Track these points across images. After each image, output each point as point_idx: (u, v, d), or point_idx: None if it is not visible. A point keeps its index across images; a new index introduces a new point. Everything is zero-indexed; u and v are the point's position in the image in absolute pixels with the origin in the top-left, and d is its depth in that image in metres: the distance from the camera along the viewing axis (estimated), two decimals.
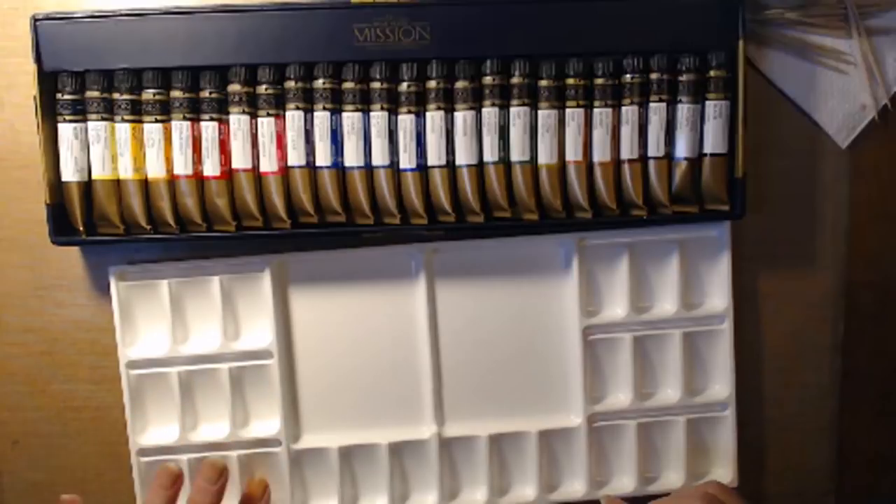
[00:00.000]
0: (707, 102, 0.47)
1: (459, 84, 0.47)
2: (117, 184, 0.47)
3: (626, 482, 0.52)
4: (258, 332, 0.50)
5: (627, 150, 0.48)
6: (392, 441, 0.51)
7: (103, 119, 0.46)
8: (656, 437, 0.52)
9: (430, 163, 0.47)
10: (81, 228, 0.47)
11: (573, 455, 0.52)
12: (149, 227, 0.47)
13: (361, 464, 0.51)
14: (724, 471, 0.51)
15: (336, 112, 0.47)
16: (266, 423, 0.51)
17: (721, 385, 0.51)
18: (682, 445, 0.51)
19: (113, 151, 0.47)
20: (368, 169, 0.47)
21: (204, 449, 0.50)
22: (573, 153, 0.48)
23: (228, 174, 0.47)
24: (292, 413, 0.51)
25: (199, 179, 0.47)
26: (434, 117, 0.47)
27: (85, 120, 0.46)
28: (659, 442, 0.52)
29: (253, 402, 0.51)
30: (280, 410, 0.50)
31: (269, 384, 0.50)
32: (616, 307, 0.51)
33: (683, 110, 0.47)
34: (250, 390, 0.51)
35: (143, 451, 0.50)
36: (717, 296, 0.51)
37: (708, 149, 0.48)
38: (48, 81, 0.46)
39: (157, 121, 0.46)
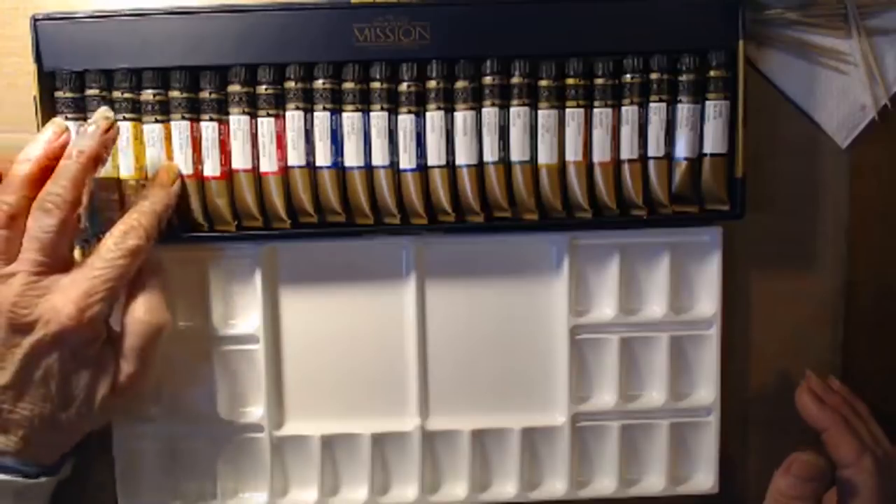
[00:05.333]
0: (707, 102, 0.47)
1: (459, 84, 0.47)
2: (118, 183, 0.47)
3: (607, 484, 0.52)
4: (246, 317, 0.50)
5: (627, 150, 0.48)
6: (375, 432, 0.51)
7: None
8: (639, 440, 0.52)
9: (430, 163, 0.47)
10: (82, 227, 0.47)
11: (555, 454, 0.52)
12: None
13: (343, 453, 0.51)
14: (705, 476, 0.51)
15: (336, 112, 0.47)
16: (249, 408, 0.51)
17: (706, 390, 0.51)
18: (665, 449, 0.51)
19: (113, 150, 0.47)
20: (368, 169, 0.47)
21: (185, 427, 0.50)
22: (573, 153, 0.48)
23: (228, 174, 0.47)
24: (276, 399, 0.51)
25: (199, 179, 0.47)
26: (434, 117, 0.47)
27: (85, 119, 0.46)
28: (641, 445, 0.52)
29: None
30: (264, 396, 0.50)
31: (255, 370, 0.50)
32: (605, 308, 0.51)
33: (683, 110, 0.47)
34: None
35: (123, 427, 0.50)
36: (707, 301, 0.51)
37: (708, 149, 0.48)
38: (48, 81, 0.46)
39: (157, 121, 0.46)
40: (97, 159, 0.43)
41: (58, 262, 0.42)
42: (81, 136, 0.43)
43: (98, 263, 0.42)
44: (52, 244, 0.42)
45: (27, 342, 0.41)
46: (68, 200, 0.42)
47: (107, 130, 0.44)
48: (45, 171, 0.43)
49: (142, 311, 0.44)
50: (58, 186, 0.42)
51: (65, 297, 0.41)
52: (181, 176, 0.47)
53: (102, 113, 0.44)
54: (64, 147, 0.44)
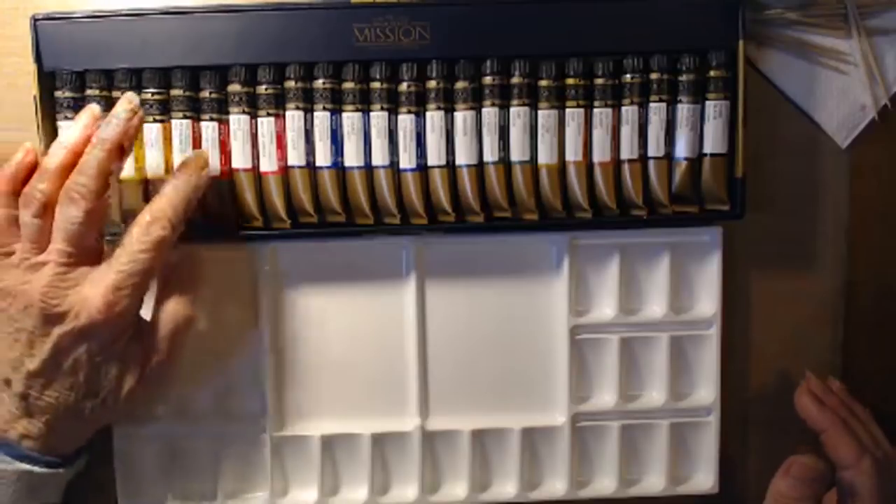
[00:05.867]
0: (707, 102, 0.47)
1: (459, 84, 0.47)
2: (118, 183, 0.47)
3: (607, 483, 0.52)
4: (245, 317, 0.50)
5: (627, 150, 0.48)
6: (375, 432, 0.51)
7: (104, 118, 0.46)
8: (639, 440, 0.52)
9: (430, 163, 0.47)
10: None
11: (555, 454, 0.52)
12: None
13: (343, 453, 0.51)
14: (705, 476, 0.51)
15: (336, 112, 0.47)
16: None
17: (706, 390, 0.51)
18: (665, 449, 0.51)
19: None
20: (368, 169, 0.47)
21: (185, 427, 0.50)
22: (573, 153, 0.48)
23: (228, 174, 0.47)
24: (276, 399, 0.50)
25: None
26: (434, 117, 0.47)
27: None
28: (641, 445, 0.52)
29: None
30: (264, 396, 0.50)
31: (254, 370, 0.50)
32: (605, 308, 0.51)
33: (683, 110, 0.47)
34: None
35: (123, 427, 0.50)
36: (707, 301, 0.51)
37: (708, 149, 0.48)
38: (48, 81, 0.46)
39: (156, 120, 0.46)
40: (121, 148, 0.43)
41: (85, 252, 0.42)
42: (106, 124, 0.43)
43: (123, 257, 0.42)
44: (79, 234, 0.42)
45: (56, 332, 0.41)
46: (93, 190, 0.42)
47: (131, 118, 0.43)
48: (80, 158, 0.43)
49: (173, 301, 0.44)
50: (83, 176, 0.42)
51: (94, 291, 0.41)
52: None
53: (127, 99, 0.44)
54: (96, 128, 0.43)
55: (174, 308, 0.45)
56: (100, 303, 0.41)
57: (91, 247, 0.43)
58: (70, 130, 0.43)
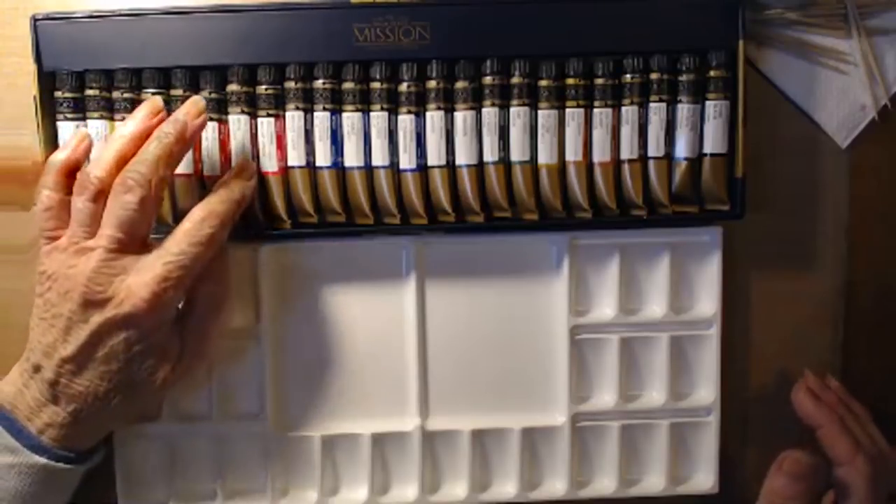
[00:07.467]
0: (707, 102, 0.47)
1: (459, 84, 0.47)
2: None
3: (607, 483, 0.52)
4: (246, 316, 0.50)
5: (627, 150, 0.48)
6: (375, 432, 0.51)
7: (103, 118, 0.46)
8: (639, 440, 0.52)
9: (430, 163, 0.47)
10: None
11: (555, 454, 0.52)
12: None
13: (343, 453, 0.51)
14: (705, 476, 0.52)
15: (336, 112, 0.47)
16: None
17: (706, 390, 0.51)
18: (665, 449, 0.51)
19: None
20: (368, 169, 0.47)
21: (185, 427, 0.50)
22: (573, 153, 0.48)
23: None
24: (276, 399, 0.50)
25: (199, 179, 0.47)
26: (434, 117, 0.47)
27: (85, 118, 0.46)
28: (641, 445, 0.52)
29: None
30: (264, 396, 0.50)
31: (255, 369, 0.50)
32: (605, 308, 0.51)
33: (683, 110, 0.47)
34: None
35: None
36: (707, 301, 0.51)
37: (708, 149, 0.48)
38: (48, 81, 0.46)
39: None
40: (182, 144, 0.43)
41: (135, 241, 0.42)
42: (170, 120, 0.44)
43: (174, 249, 0.42)
44: (131, 222, 0.42)
45: (96, 319, 0.41)
46: (150, 179, 0.42)
47: (195, 118, 0.44)
48: (138, 149, 0.43)
49: (209, 296, 0.45)
50: (141, 165, 0.42)
51: (141, 280, 0.42)
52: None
53: (194, 101, 0.44)
54: (157, 127, 0.44)
55: (210, 303, 0.45)
56: (145, 293, 0.41)
57: (141, 237, 0.43)
58: (130, 122, 0.44)
